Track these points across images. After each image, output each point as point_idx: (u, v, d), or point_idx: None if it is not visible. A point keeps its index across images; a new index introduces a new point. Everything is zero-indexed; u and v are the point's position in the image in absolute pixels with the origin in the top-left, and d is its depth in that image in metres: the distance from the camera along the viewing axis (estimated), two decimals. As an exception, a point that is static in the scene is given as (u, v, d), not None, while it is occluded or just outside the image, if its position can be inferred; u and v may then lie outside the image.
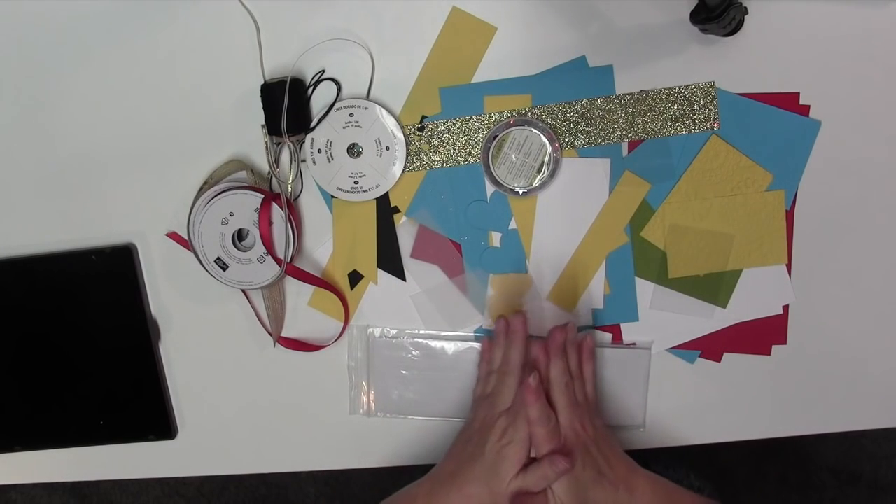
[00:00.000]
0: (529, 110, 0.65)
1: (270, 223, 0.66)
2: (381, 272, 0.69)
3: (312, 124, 0.65)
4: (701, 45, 0.64)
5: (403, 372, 0.70)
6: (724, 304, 0.67)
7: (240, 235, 0.67)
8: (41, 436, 0.72)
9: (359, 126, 0.65)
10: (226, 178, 0.67)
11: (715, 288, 0.67)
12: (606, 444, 0.60)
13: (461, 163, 0.66)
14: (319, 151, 0.66)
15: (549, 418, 0.58)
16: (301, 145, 0.66)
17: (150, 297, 0.70)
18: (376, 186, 0.66)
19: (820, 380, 0.69)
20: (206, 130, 0.67)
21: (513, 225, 0.67)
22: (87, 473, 0.74)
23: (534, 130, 0.64)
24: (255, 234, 0.66)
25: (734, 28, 0.60)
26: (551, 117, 0.65)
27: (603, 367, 0.68)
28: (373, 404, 0.70)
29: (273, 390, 0.71)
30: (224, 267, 0.67)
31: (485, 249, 0.68)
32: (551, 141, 0.64)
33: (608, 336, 0.69)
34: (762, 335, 0.68)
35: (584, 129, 0.65)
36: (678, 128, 0.65)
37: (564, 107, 0.65)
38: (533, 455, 0.58)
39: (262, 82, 0.65)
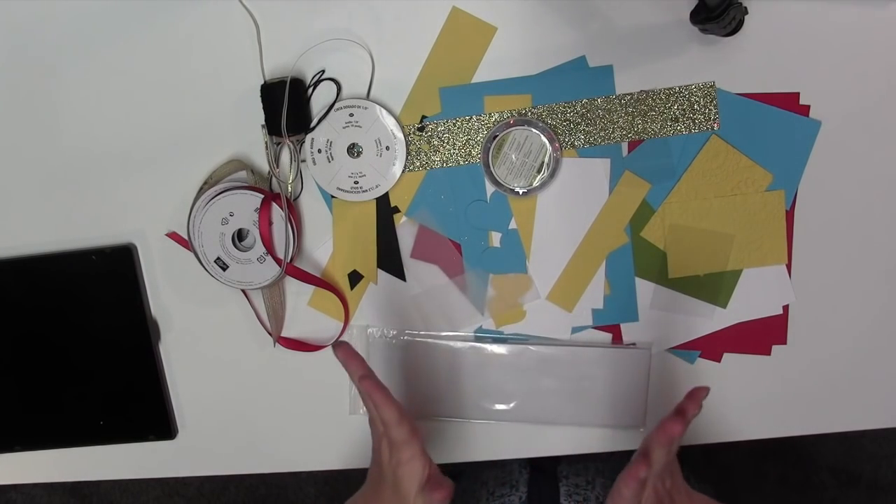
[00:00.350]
0: (529, 110, 0.65)
1: (270, 223, 0.66)
2: (381, 272, 0.69)
3: (312, 124, 0.65)
4: (701, 45, 0.64)
5: (403, 372, 0.70)
6: (724, 304, 0.67)
7: (240, 235, 0.67)
8: (41, 436, 0.72)
9: (359, 126, 0.65)
10: (226, 178, 0.67)
11: (715, 288, 0.67)
12: (675, 488, 0.59)
13: (461, 163, 0.66)
14: (319, 151, 0.66)
15: (637, 497, 0.55)
16: (301, 145, 0.66)
17: (150, 297, 0.70)
18: (376, 186, 0.66)
19: (820, 380, 0.69)
20: (206, 130, 0.67)
21: (513, 225, 0.67)
22: (87, 473, 0.74)
23: (534, 130, 0.64)
24: (255, 234, 0.66)
25: (734, 28, 0.60)
26: (551, 117, 0.65)
27: (603, 367, 0.68)
28: (373, 404, 0.70)
29: (273, 390, 0.71)
30: (224, 267, 0.67)
31: (485, 249, 0.68)
32: (551, 141, 0.64)
33: (608, 336, 0.69)
34: (762, 335, 0.68)
35: (584, 129, 0.65)
36: (678, 128, 0.65)
37: (564, 107, 0.65)
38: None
39: (262, 82, 0.65)
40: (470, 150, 0.66)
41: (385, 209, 0.67)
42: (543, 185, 0.65)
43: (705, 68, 0.64)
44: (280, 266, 0.66)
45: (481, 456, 0.71)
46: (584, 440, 0.70)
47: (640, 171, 0.66)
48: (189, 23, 0.66)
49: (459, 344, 0.69)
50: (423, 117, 0.66)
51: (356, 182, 0.66)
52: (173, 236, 0.69)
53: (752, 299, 0.67)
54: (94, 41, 0.67)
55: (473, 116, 0.66)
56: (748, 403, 0.69)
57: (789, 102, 0.65)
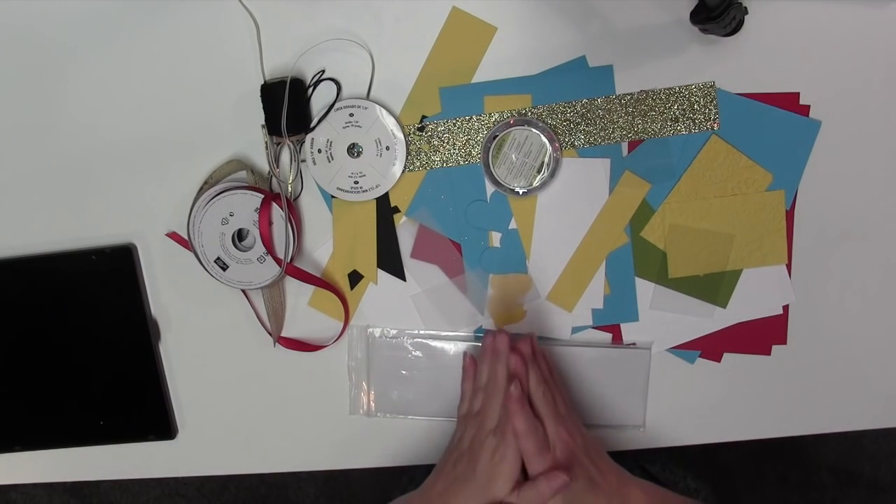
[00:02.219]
0: (529, 110, 0.65)
1: (270, 223, 0.66)
2: (381, 272, 0.69)
3: (312, 124, 0.65)
4: (701, 45, 0.64)
5: (403, 372, 0.70)
6: (724, 304, 0.67)
7: (240, 235, 0.67)
8: (41, 436, 0.72)
9: (359, 126, 0.65)
10: (226, 178, 0.67)
11: (715, 288, 0.67)
12: (596, 453, 0.59)
13: (461, 163, 0.66)
14: (319, 151, 0.66)
15: (536, 429, 0.56)
16: (301, 145, 0.66)
17: (150, 297, 0.70)
18: (376, 186, 0.66)
19: (820, 380, 0.69)
20: (206, 130, 0.67)
21: (513, 225, 0.67)
22: (87, 473, 0.74)
23: (534, 130, 0.64)
24: (255, 234, 0.66)
25: (734, 28, 0.60)
26: (551, 117, 0.65)
27: (603, 367, 0.68)
28: (373, 404, 0.70)
29: (273, 390, 0.71)
30: (224, 267, 0.67)
31: (485, 249, 0.68)
32: (551, 141, 0.64)
33: (608, 336, 0.69)
34: (762, 335, 0.68)
35: (584, 129, 0.65)
36: (678, 128, 0.65)
37: (564, 107, 0.65)
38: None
39: (262, 82, 0.65)
40: (470, 150, 0.66)
41: (385, 209, 0.67)
42: (543, 185, 0.65)
43: (705, 68, 0.64)
44: (280, 266, 0.66)
45: (481, 456, 0.71)
46: (584, 440, 0.70)
47: (640, 171, 0.66)
48: (189, 23, 0.66)
49: (459, 344, 0.69)
50: (423, 117, 0.66)
51: (356, 182, 0.66)
52: (173, 236, 0.69)
53: (752, 299, 0.67)
54: (93, 41, 0.67)
55: (473, 116, 0.66)
56: (748, 403, 0.69)
57: (789, 102, 0.65)
